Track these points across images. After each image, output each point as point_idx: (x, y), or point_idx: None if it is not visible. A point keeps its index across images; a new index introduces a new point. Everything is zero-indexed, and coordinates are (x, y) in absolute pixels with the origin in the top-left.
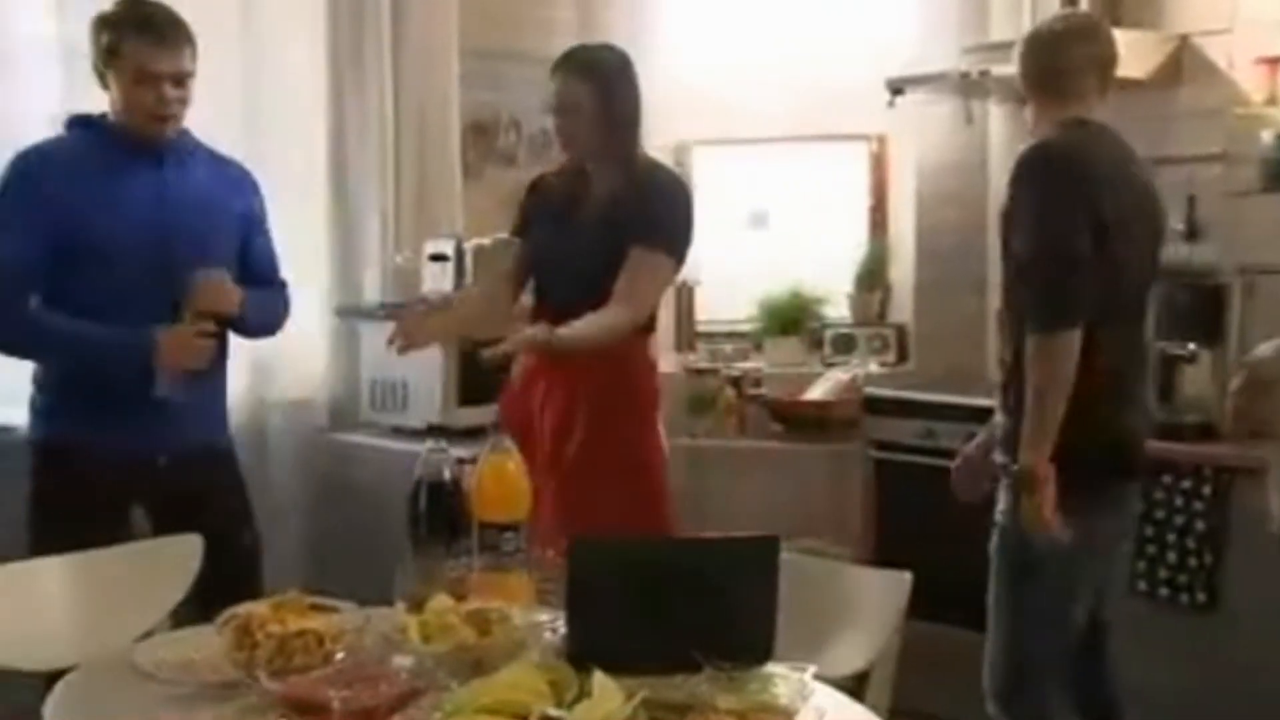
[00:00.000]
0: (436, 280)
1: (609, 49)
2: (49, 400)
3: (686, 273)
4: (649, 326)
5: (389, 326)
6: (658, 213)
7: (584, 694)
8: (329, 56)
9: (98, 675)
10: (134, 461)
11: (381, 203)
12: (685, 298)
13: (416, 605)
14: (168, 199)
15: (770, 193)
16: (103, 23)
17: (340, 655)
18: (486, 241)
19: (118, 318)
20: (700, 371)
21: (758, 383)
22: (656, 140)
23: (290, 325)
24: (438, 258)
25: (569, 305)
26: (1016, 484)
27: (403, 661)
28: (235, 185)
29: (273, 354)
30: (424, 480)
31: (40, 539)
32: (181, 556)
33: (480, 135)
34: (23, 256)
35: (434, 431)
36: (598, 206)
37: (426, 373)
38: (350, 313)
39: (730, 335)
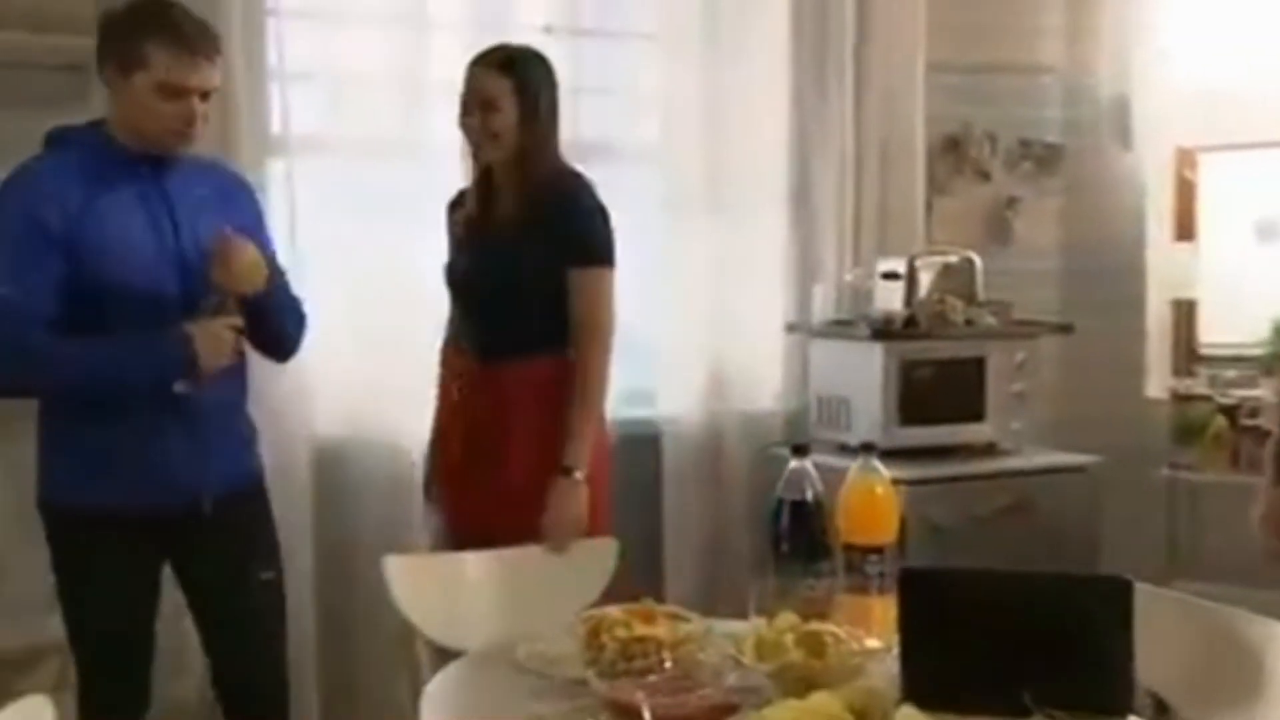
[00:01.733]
0: (887, 298)
1: (531, 49)
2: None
3: (1185, 289)
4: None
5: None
6: (585, 226)
7: None
8: (790, 72)
9: (482, 662)
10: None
11: (839, 220)
12: (1184, 316)
13: (769, 621)
14: (179, 217)
15: None
16: (123, 24)
17: (669, 664)
18: (952, 259)
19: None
20: (1189, 398)
21: (1254, 413)
22: (1151, 150)
23: (745, 339)
24: (890, 275)
25: (490, 320)
26: None
27: (732, 675)
28: (231, 194)
29: (727, 368)
30: (785, 498)
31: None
32: (601, 555)
33: (951, 150)
34: (26, 297)
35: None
36: (511, 216)
37: (868, 391)
38: (800, 329)
39: (1236, 360)
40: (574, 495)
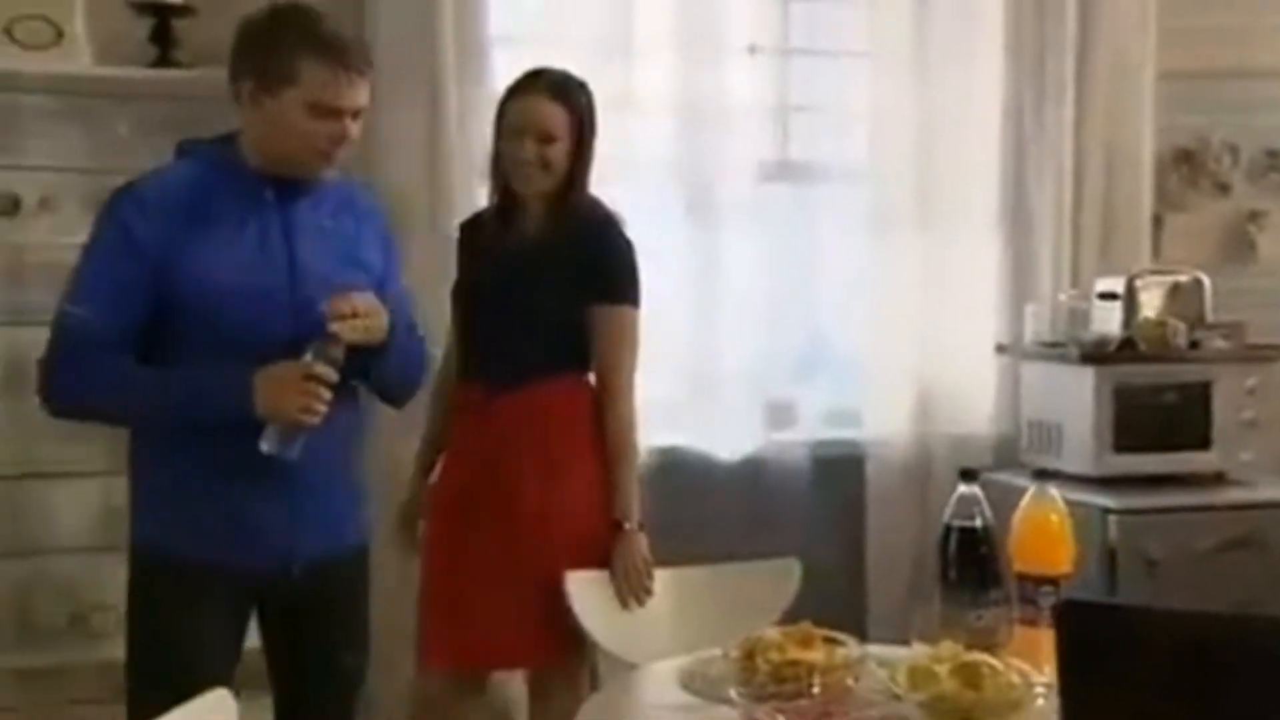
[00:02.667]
0: (1104, 319)
1: (572, 74)
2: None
3: None
4: (583, 366)
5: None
6: (615, 263)
7: None
8: (1005, 85)
9: (646, 678)
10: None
11: (1056, 237)
12: None
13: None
14: (297, 247)
15: None
16: (269, 37)
17: (817, 689)
18: (1181, 278)
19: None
20: None
21: None
22: None
23: (954, 360)
24: (1107, 296)
25: (503, 339)
26: None
27: (882, 704)
28: (364, 215)
29: (936, 390)
30: (953, 524)
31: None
32: (784, 576)
33: (1184, 162)
34: (106, 320)
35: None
36: (536, 240)
37: (1079, 416)
38: (1011, 350)
39: None
40: (631, 546)
